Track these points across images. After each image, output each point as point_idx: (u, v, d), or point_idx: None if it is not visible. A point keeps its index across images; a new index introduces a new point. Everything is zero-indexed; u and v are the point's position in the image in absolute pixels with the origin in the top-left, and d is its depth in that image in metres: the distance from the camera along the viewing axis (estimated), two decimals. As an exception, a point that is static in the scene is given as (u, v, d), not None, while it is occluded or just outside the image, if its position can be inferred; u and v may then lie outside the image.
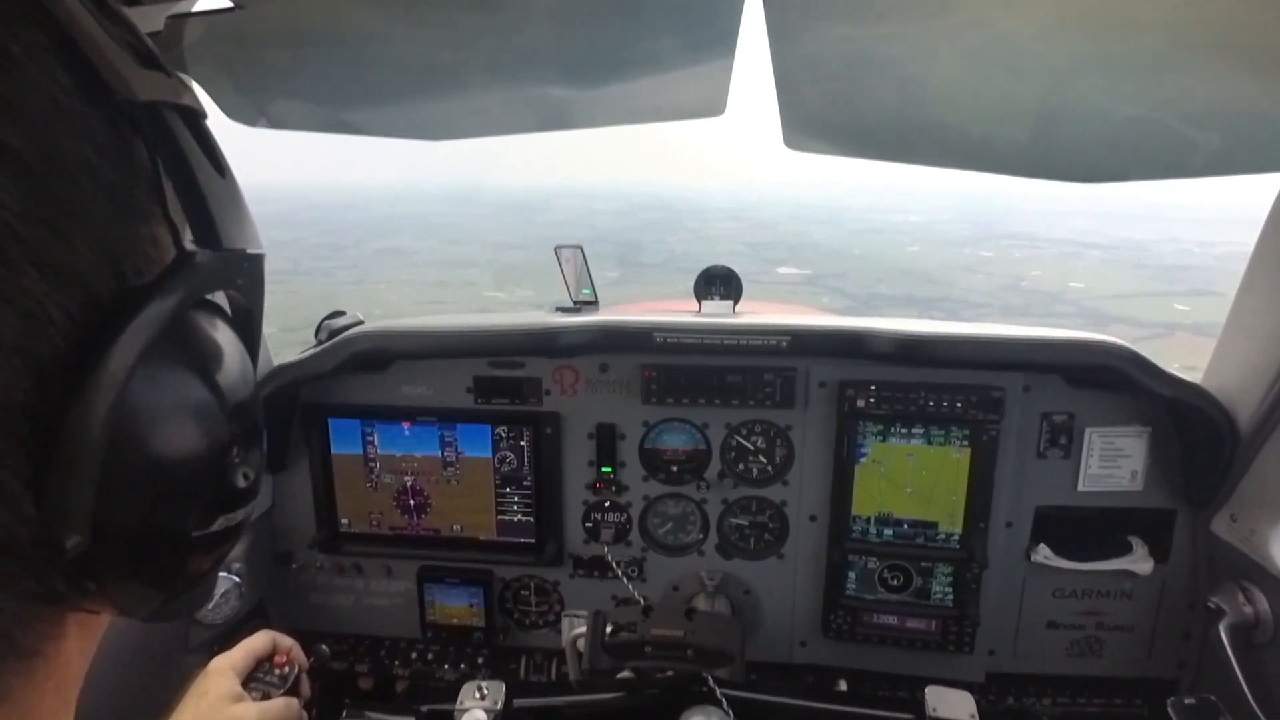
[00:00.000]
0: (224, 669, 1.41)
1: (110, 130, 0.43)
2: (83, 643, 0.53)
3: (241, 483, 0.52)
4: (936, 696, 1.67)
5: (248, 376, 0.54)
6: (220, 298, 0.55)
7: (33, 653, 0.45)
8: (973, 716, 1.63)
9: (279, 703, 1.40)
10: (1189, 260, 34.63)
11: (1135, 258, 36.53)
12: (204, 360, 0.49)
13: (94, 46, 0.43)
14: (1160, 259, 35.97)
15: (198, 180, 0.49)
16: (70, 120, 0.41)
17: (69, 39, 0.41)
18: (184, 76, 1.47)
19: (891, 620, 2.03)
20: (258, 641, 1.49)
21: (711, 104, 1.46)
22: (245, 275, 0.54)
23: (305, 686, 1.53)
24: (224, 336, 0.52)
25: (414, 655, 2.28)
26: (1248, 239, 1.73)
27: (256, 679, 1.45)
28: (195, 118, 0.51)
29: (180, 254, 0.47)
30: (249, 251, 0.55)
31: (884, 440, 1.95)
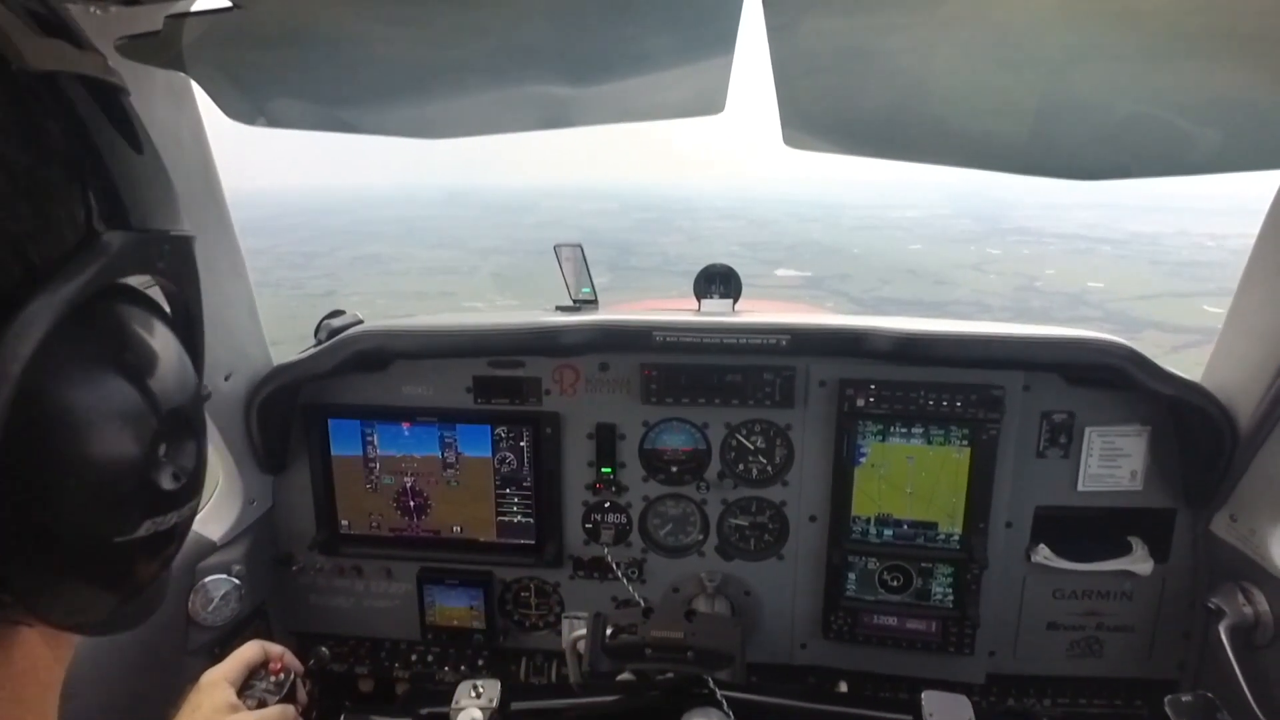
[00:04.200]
0: (217, 681, 1.39)
1: (9, 104, 0.40)
2: (54, 652, 0.50)
3: (170, 484, 0.48)
4: (933, 701, 1.66)
5: (179, 370, 0.50)
6: (158, 291, 0.52)
7: None
8: None
9: (275, 710, 1.39)
10: (1206, 256, 33.85)
11: (1150, 253, 35.78)
12: (120, 350, 0.45)
13: None
14: (1176, 254, 35.18)
15: (104, 156, 0.45)
16: None
17: None
18: (172, 72, 1.46)
19: (891, 621, 2.03)
20: (248, 651, 1.48)
21: (711, 102, 1.45)
22: (168, 259, 0.50)
23: (301, 691, 1.53)
24: (148, 326, 0.48)
25: (414, 657, 2.28)
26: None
27: (252, 687, 1.44)
28: (107, 91, 0.48)
29: (85, 236, 0.43)
30: (171, 233, 0.51)
31: (883, 440, 1.94)
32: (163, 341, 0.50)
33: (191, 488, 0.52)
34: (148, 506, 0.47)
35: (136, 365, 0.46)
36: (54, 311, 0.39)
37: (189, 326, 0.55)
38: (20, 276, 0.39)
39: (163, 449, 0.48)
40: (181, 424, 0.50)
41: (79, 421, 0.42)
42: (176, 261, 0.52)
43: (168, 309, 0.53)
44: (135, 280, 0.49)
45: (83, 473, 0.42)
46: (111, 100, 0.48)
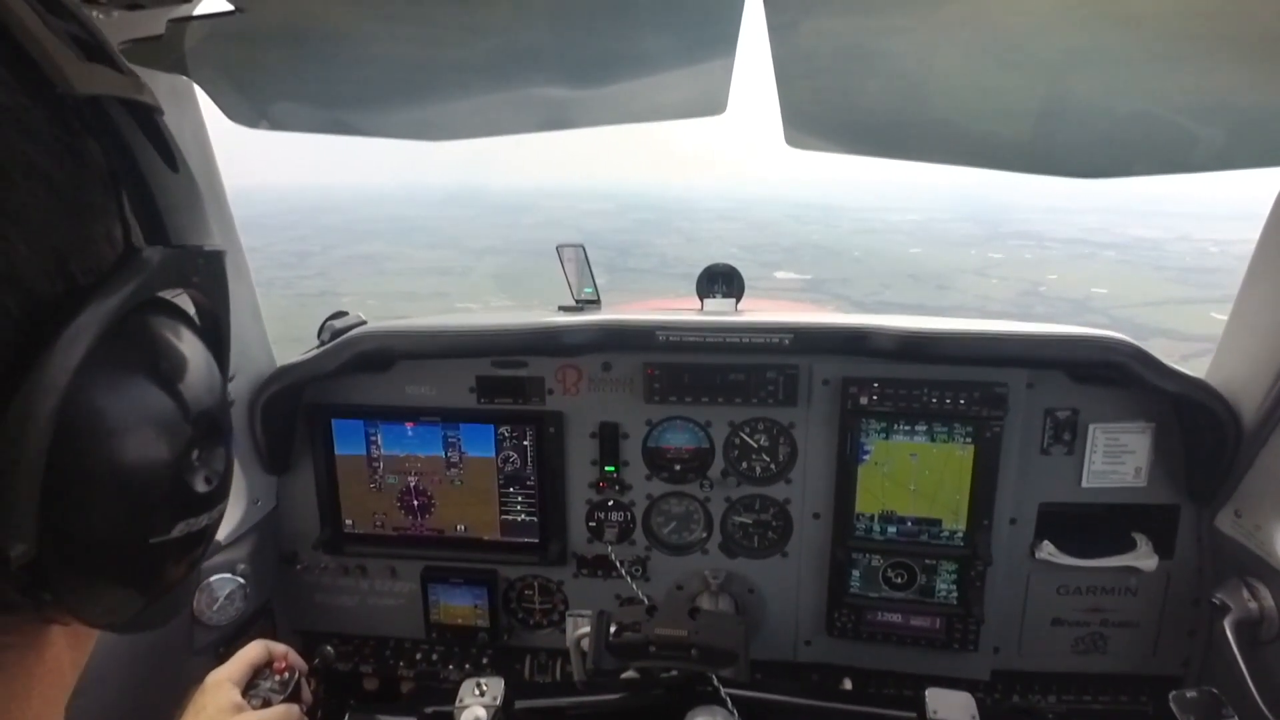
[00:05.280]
0: (221, 681, 1.40)
1: (55, 126, 0.42)
2: (74, 654, 0.52)
3: (202, 487, 0.50)
4: (937, 698, 1.67)
5: (209, 377, 0.52)
6: (184, 299, 0.53)
7: (5, 663, 0.45)
8: (973, 717, 1.62)
9: (279, 709, 1.40)
10: (1210, 262, 33.34)
11: (1153, 258, 35.29)
12: (157, 361, 0.47)
13: (31, 39, 0.41)
14: (1179, 260, 34.65)
15: (145, 175, 0.47)
16: (6, 115, 0.39)
17: (2, 30, 0.40)
18: (175, 75, 1.47)
19: (896, 618, 2.03)
20: (252, 651, 1.48)
21: (712, 102, 1.46)
22: (201, 273, 0.52)
23: (306, 691, 1.53)
24: (181, 337, 0.50)
25: (418, 656, 2.28)
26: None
27: (256, 687, 1.45)
28: (145, 112, 0.50)
29: (126, 251, 0.45)
30: (205, 248, 0.53)
31: (887, 438, 1.94)
32: (194, 350, 0.51)
33: (221, 490, 0.54)
34: (182, 509, 0.49)
35: (172, 374, 0.48)
36: (98, 325, 0.41)
37: (217, 336, 0.56)
38: (65, 292, 0.41)
39: (196, 453, 0.49)
40: (212, 429, 0.51)
41: (120, 429, 0.44)
42: (209, 275, 0.54)
43: (195, 318, 0.55)
44: (167, 292, 0.51)
45: (123, 477, 0.44)
46: (148, 120, 0.50)
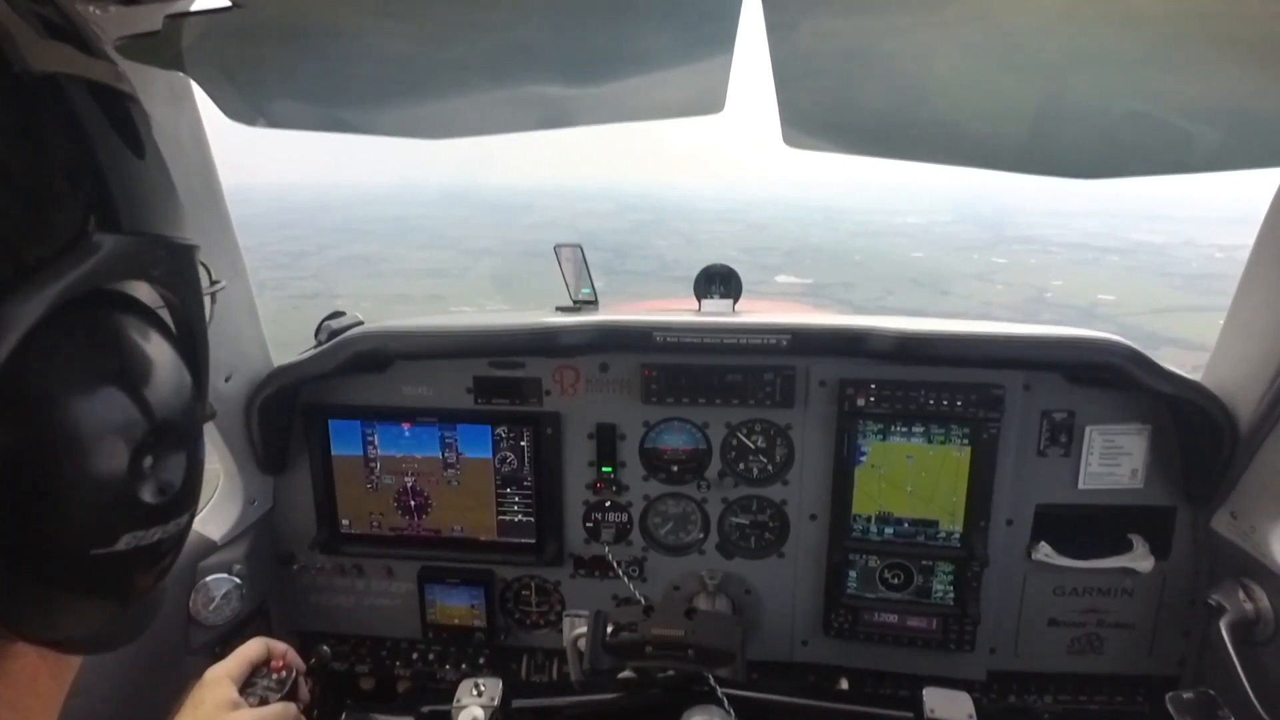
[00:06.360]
0: (219, 678, 1.39)
1: (9, 106, 0.39)
2: (53, 667, 0.49)
3: (153, 498, 0.46)
4: (934, 698, 1.67)
5: (172, 381, 0.48)
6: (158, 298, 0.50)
7: None
8: (970, 717, 1.62)
9: (276, 708, 1.39)
10: (1217, 268, 32.96)
11: (1158, 264, 35.00)
12: (102, 356, 0.44)
13: None
14: (1185, 266, 34.29)
15: (100, 160, 0.44)
16: None
17: None
18: (172, 73, 1.47)
19: (892, 619, 2.03)
20: (252, 648, 1.47)
21: (710, 101, 1.46)
22: (164, 266, 0.49)
23: (303, 690, 1.53)
24: (142, 334, 0.47)
25: (415, 656, 2.28)
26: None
27: (253, 685, 1.44)
28: (112, 96, 0.47)
29: (75, 237, 0.42)
30: (171, 240, 0.49)
31: (884, 439, 1.94)
32: (157, 352, 0.48)
33: (179, 503, 0.50)
34: (128, 520, 0.46)
35: (123, 374, 0.45)
36: (36, 310, 0.38)
37: (190, 339, 0.52)
38: (9, 276, 0.38)
39: (148, 461, 0.46)
40: (171, 438, 0.48)
41: (56, 425, 0.41)
42: (175, 270, 0.50)
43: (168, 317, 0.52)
44: (145, 295, 0.48)
45: (58, 478, 0.41)
46: (115, 104, 0.47)
